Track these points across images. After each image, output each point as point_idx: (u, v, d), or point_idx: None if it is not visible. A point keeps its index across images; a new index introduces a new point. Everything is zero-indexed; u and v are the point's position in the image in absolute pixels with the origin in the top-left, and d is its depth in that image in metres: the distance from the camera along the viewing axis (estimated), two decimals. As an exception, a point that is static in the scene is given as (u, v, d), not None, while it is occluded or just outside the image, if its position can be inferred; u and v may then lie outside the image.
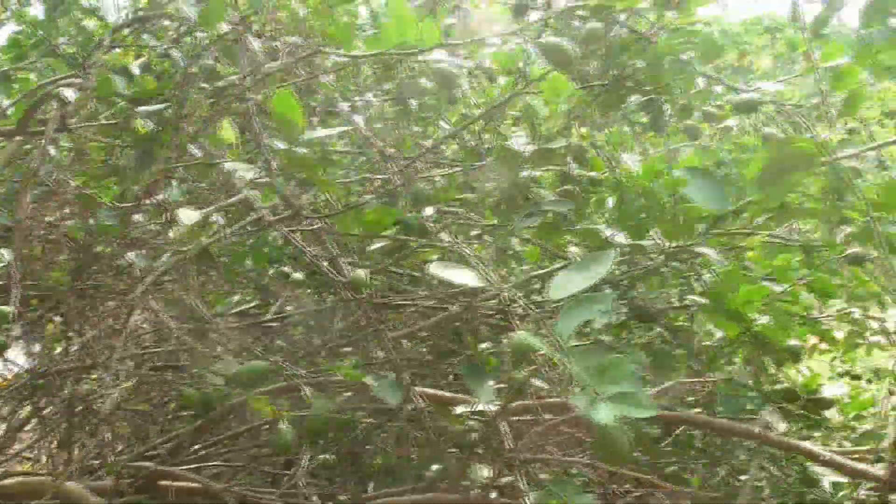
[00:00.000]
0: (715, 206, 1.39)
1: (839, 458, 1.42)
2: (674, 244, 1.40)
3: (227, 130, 1.29)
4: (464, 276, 1.28)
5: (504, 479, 1.46)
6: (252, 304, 2.43)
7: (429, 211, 1.82)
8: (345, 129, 1.55)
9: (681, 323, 2.00)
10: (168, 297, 1.92)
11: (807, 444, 1.33)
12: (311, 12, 1.88)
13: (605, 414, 1.06)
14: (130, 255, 1.90)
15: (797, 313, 1.81)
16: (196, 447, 2.11)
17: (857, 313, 2.12)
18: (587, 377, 1.07)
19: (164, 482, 1.84)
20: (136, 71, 1.99)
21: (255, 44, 1.80)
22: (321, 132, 1.38)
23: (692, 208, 1.40)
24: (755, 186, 1.37)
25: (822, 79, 2.12)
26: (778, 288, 1.74)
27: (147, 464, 1.85)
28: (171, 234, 1.67)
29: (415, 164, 1.81)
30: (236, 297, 2.54)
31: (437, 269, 1.27)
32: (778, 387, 1.81)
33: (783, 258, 1.75)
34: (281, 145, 1.33)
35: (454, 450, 1.62)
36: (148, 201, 1.80)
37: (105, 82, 1.91)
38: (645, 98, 2.03)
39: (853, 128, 2.43)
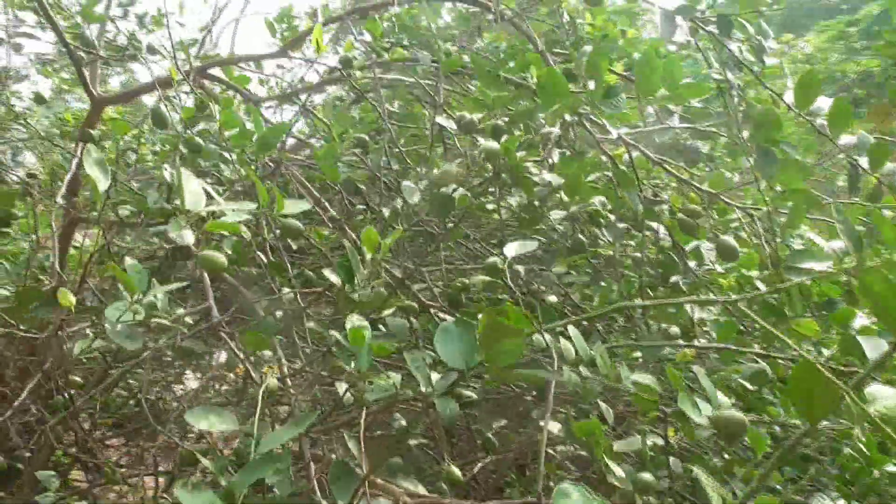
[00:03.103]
0: (456, 363, 1.48)
1: None
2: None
3: (66, 297, 1.65)
4: (217, 423, 1.52)
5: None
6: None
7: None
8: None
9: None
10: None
11: None
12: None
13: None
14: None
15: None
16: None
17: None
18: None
19: None
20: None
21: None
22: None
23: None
24: (481, 347, 1.45)
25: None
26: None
27: None
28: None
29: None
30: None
31: (192, 417, 1.52)
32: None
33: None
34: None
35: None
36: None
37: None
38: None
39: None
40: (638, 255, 2.37)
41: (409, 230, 2.02)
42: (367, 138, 2.47)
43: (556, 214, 2.04)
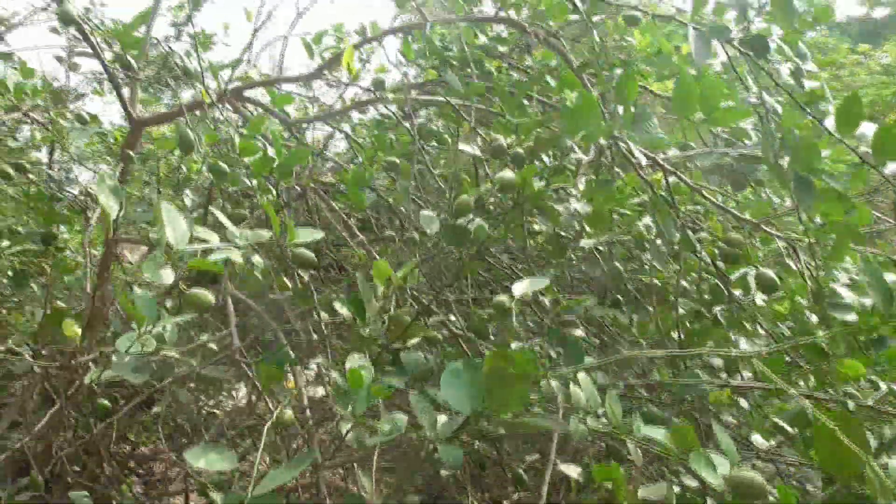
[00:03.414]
0: (461, 408, 1.41)
1: None
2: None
3: (70, 327, 1.64)
4: (215, 462, 1.48)
5: None
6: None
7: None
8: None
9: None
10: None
11: None
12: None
13: None
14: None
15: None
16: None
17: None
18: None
19: None
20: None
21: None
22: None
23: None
24: (486, 394, 1.38)
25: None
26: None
27: None
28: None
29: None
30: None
31: (191, 456, 1.47)
32: None
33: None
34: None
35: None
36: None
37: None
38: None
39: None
40: (677, 282, 2.26)
41: (430, 258, 1.96)
42: (397, 161, 2.41)
43: (586, 242, 1.94)
